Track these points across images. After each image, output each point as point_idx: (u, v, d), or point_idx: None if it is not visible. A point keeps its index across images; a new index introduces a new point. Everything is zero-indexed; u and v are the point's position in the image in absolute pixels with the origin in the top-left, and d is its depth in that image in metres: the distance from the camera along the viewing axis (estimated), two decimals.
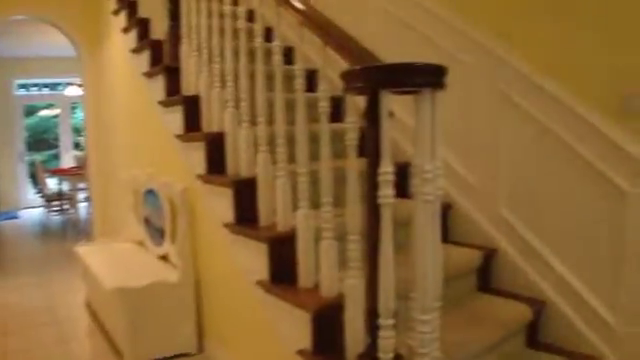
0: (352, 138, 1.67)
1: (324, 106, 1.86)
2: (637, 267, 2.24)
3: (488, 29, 2.63)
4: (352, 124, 1.67)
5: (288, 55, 3.28)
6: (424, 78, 1.39)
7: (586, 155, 2.32)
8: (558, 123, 2.40)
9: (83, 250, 3.96)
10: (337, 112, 3.04)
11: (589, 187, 2.33)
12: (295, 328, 2.05)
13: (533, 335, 2.46)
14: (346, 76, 1.49)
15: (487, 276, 2.62)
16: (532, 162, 2.50)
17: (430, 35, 2.86)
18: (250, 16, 3.05)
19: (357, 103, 1.66)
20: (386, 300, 1.48)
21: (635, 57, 2.21)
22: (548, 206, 2.47)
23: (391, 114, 1.46)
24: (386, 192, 1.39)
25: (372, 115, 1.41)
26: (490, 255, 2.61)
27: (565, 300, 2.43)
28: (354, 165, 1.66)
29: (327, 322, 1.94)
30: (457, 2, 2.77)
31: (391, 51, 2.33)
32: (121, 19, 4.15)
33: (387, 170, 1.38)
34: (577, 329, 2.39)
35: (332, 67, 2.11)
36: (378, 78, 1.40)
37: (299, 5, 1.98)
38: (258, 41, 2.34)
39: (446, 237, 2.78)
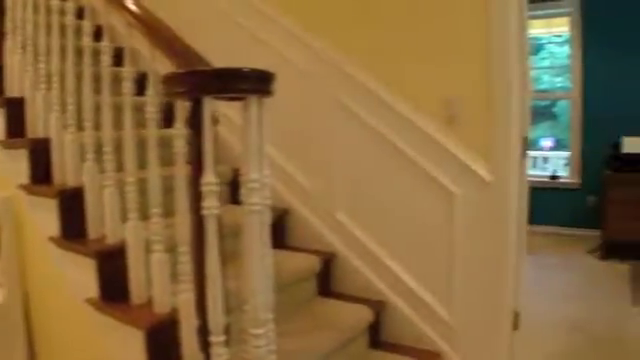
0: (180, 145, 1.58)
1: (152, 111, 1.77)
2: (466, 266, 2.37)
3: (324, 37, 2.66)
4: (180, 130, 1.59)
5: (120, 56, 3.09)
6: (250, 84, 1.33)
7: (417, 159, 2.44)
8: (391, 128, 2.50)
9: None
10: (171, 117, 2.92)
11: (422, 189, 2.44)
12: (129, 348, 1.91)
13: (375, 335, 2.52)
14: (168, 80, 1.39)
15: (328, 280, 2.65)
16: (368, 167, 2.58)
17: (267, 39, 2.84)
18: (80, 13, 2.84)
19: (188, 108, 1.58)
20: (215, 316, 1.41)
21: (452, 66, 2.38)
22: (384, 209, 2.56)
23: (216, 121, 1.39)
24: (210, 203, 1.32)
25: (195, 122, 1.33)
26: (329, 259, 2.64)
27: (404, 300, 2.52)
28: (181, 173, 1.57)
29: (162, 340, 1.84)
30: (298, 10, 2.77)
31: (232, 57, 2.27)
32: None
33: (210, 180, 1.31)
34: (416, 327, 2.50)
35: (166, 70, 2.01)
36: (201, 83, 1.32)
37: (128, 4, 1.85)
38: (86, 40, 2.18)
39: (285, 243, 2.77)
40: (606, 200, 5.27)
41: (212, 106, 1.33)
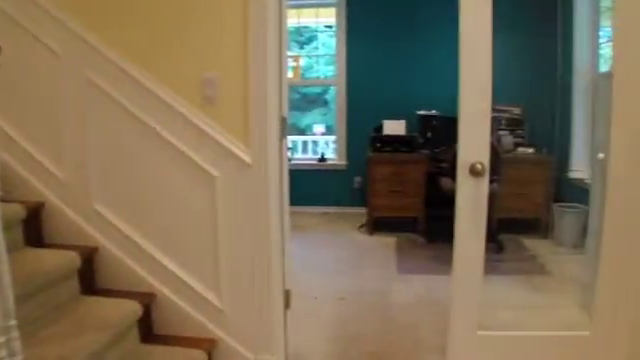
0: None
1: None
2: (232, 249, 2.41)
3: (79, 17, 2.46)
4: None
5: None
6: None
7: (176, 142, 2.40)
8: (148, 112, 2.42)
9: None
10: None
11: (183, 174, 2.42)
12: None
13: (147, 329, 2.46)
14: None
15: (90, 277, 2.51)
16: (125, 153, 2.48)
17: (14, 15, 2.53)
18: None
19: None
20: None
21: (210, 48, 2.39)
22: (145, 197, 2.49)
23: None
24: None
25: None
26: (90, 254, 2.49)
27: (173, 290, 2.49)
28: None
29: None
30: None
31: None
32: None
33: None
34: (189, 316, 2.49)
35: None
36: None
37: None
38: None
39: (41, 240, 2.54)
40: (370, 179, 5.72)
41: None
